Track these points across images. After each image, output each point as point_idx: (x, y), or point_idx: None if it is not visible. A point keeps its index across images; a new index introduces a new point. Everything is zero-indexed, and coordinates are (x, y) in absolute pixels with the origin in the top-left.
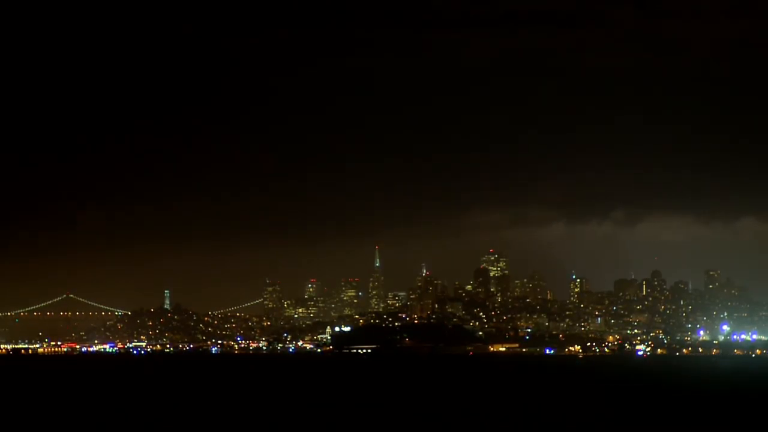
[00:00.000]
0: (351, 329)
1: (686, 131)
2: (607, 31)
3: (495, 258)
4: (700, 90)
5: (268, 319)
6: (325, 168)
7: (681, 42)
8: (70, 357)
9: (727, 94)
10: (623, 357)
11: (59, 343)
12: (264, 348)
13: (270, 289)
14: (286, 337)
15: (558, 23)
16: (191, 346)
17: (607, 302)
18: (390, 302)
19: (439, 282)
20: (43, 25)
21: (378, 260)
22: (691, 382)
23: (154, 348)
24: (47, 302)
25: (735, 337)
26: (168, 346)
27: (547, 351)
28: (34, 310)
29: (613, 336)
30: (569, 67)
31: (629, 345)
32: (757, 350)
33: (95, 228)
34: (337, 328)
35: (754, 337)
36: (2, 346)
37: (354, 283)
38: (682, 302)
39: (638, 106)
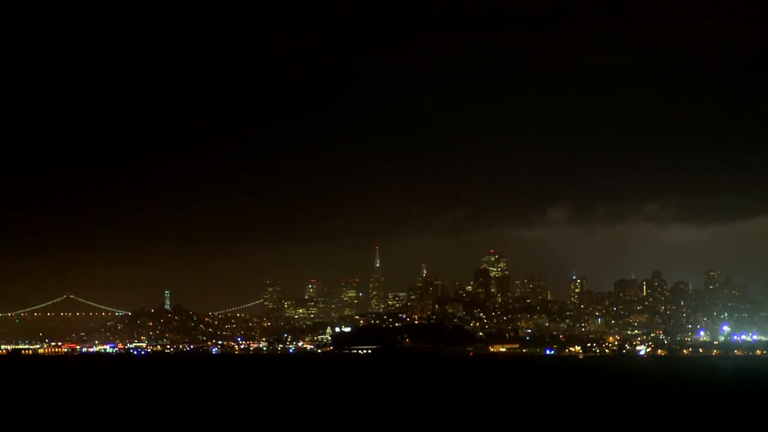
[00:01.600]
0: (351, 330)
1: (685, 131)
2: (584, 33)
3: (495, 258)
4: (690, 90)
5: (269, 319)
6: (325, 168)
7: (656, 44)
8: (71, 357)
9: (719, 93)
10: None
11: (60, 343)
12: (264, 348)
13: (270, 289)
14: (287, 337)
15: (537, 26)
16: (191, 346)
17: (607, 302)
18: (390, 303)
19: (440, 282)
20: (43, 26)
21: (378, 260)
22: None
23: (154, 348)
24: (47, 302)
25: (735, 337)
26: (168, 346)
27: (548, 351)
28: (34, 311)
29: (614, 336)
30: (563, 68)
31: (629, 345)
32: (758, 351)
33: (95, 228)
34: (337, 329)
35: (755, 337)
36: (2, 347)
37: (354, 284)
38: (682, 302)
39: (630, 106)
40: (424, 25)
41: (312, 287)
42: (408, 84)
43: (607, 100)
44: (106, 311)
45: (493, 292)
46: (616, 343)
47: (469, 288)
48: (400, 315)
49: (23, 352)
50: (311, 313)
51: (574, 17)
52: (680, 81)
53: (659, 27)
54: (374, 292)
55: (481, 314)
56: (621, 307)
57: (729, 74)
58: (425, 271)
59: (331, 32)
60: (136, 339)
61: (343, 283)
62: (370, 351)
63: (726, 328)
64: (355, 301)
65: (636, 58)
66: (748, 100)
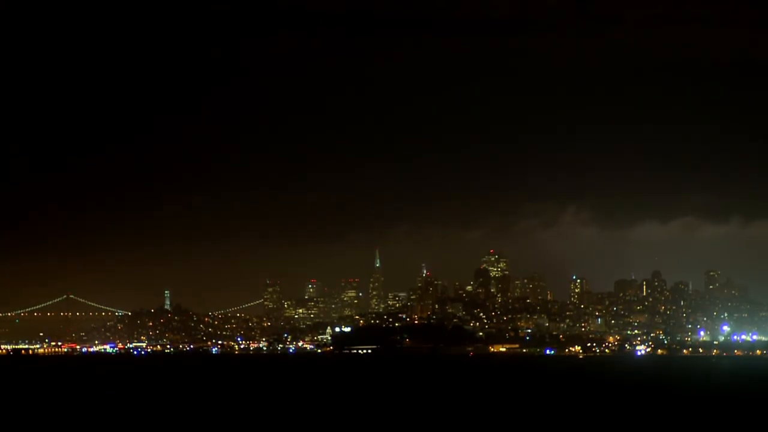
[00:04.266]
0: (351, 330)
1: (686, 132)
2: (553, 36)
3: (495, 258)
4: (686, 88)
5: (269, 319)
6: (325, 168)
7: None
8: (71, 357)
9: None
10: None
11: (59, 343)
12: (264, 348)
13: (270, 289)
14: (287, 337)
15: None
16: (191, 346)
17: (607, 302)
18: (390, 303)
19: (440, 282)
20: (44, 26)
21: (378, 260)
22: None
23: (154, 348)
24: (47, 302)
25: (735, 337)
26: (168, 346)
27: (548, 351)
28: (34, 311)
29: (614, 336)
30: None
31: (629, 345)
32: (758, 351)
33: (95, 229)
34: (337, 329)
35: (755, 337)
36: (2, 347)
37: (354, 284)
38: (682, 302)
39: (623, 106)
40: (421, 27)
41: (312, 287)
42: (408, 84)
43: (602, 100)
44: (106, 311)
45: (493, 292)
46: (616, 343)
47: (469, 288)
48: (400, 315)
49: (23, 352)
50: (311, 313)
51: (541, 20)
52: (666, 79)
53: (625, 30)
54: (374, 292)
55: (481, 314)
56: (621, 307)
57: (706, 74)
58: (425, 271)
59: (331, 32)
60: (136, 339)
61: (343, 283)
62: (370, 351)
63: (726, 328)
64: (355, 301)
65: (605, 60)
66: (727, 101)
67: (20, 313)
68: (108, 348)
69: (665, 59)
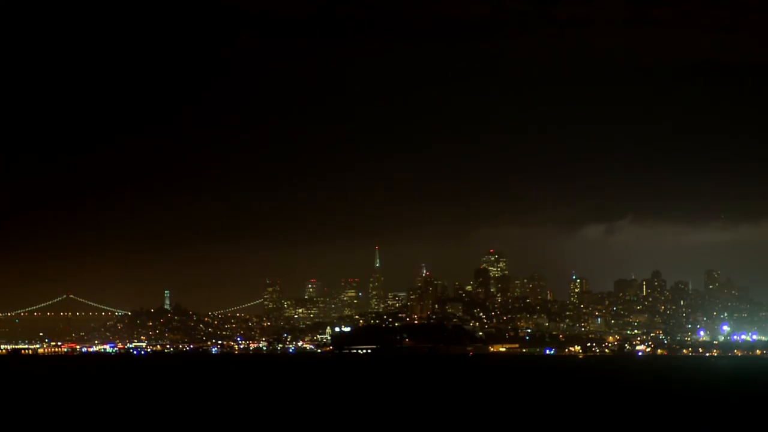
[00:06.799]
0: (351, 329)
1: (684, 133)
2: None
3: (495, 258)
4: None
5: (268, 319)
6: (325, 168)
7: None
8: (71, 357)
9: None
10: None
11: (59, 343)
12: (264, 348)
13: (270, 289)
14: (286, 337)
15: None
16: (191, 346)
17: (607, 302)
18: (390, 302)
19: (439, 282)
20: (52, 25)
21: (378, 260)
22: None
23: (154, 348)
24: (47, 302)
25: (735, 337)
26: (168, 346)
27: (547, 351)
28: (34, 311)
29: (614, 336)
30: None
31: (629, 345)
32: (758, 351)
33: (95, 229)
34: (337, 329)
35: (754, 337)
36: (2, 347)
37: (354, 284)
38: (682, 302)
39: (617, 107)
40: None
41: (312, 287)
42: (409, 85)
43: (608, 99)
44: (106, 311)
45: (493, 292)
46: (616, 343)
47: (469, 288)
48: (399, 315)
49: (23, 352)
50: (311, 313)
51: (511, 24)
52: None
53: (594, 34)
54: (374, 292)
55: (481, 314)
56: (621, 307)
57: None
58: (425, 271)
59: (330, 33)
60: (136, 339)
61: (343, 283)
62: (369, 351)
63: (726, 328)
64: (355, 301)
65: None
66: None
67: (20, 313)
68: (108, 348)
69: (636, 60)
